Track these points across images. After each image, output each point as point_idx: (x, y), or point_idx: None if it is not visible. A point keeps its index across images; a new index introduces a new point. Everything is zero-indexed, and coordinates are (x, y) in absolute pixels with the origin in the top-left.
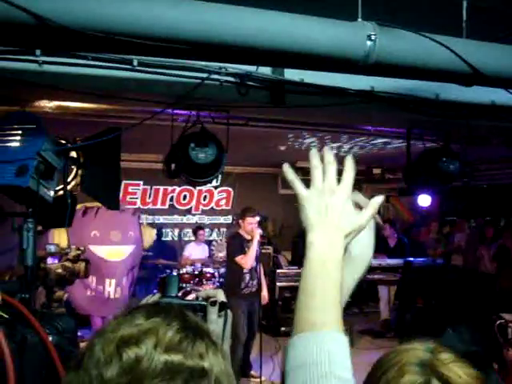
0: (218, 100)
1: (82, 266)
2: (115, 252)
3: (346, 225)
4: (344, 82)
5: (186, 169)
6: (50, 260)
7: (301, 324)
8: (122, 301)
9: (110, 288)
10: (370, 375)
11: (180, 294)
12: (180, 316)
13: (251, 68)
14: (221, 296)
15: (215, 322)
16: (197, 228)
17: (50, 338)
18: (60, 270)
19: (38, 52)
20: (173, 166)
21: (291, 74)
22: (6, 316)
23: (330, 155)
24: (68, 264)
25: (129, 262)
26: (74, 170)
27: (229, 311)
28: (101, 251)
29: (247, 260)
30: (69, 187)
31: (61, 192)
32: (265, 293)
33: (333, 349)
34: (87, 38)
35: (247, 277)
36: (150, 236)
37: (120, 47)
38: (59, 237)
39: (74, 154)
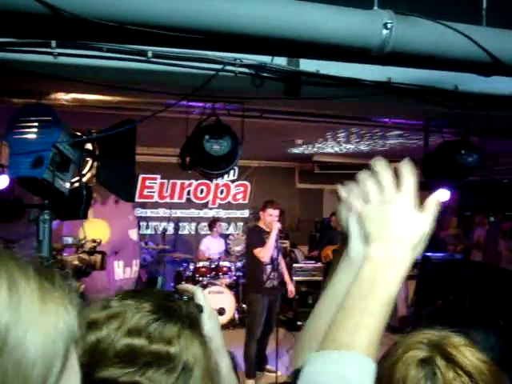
0: (232, 92)
1: (98, 258)
2: (136, 233)
3: (411, 235)
4: (360, 73)
5: (200, 161)
6: (66, 252)
7: (327, 342)
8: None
9: (136, 267)
10: (385, 355)
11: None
12: (158, 299)
13: (266, 59)
14: (199, 295)
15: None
16: (213, 221)
17: None
18: (76, 262)
19: (53, 44)
20: (188, 158)
21: (307, 65)
22: None
23: (381, 163)
24: (84, 256)
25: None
26: (90, 162)
27: (214, 313)
28: (134, 234)
29: (265, 252)
30: (84, 179)
31: (76, 184)
32: (291, 287)
33: (352, 375)
34: (101, 28)
35: (268, 268)
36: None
37: (134, 37)
38: (99, 231)
39: (89, 146)
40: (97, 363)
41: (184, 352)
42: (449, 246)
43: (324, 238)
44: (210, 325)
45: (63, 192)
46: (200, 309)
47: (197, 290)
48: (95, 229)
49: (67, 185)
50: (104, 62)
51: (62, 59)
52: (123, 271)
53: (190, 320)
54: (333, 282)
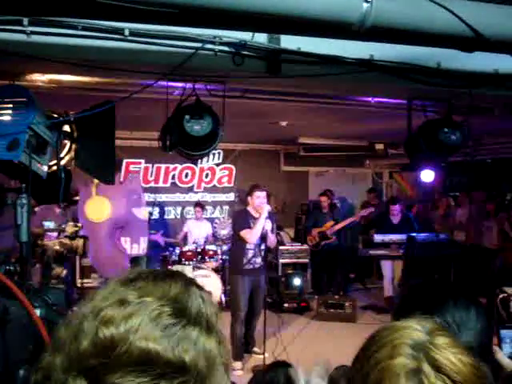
0: (212, 71)
1: (80, 242)
2: (146, 212)
3: None
4: (342, 50)
5: (181, 142)
6: (47, 237)
7: None
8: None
9: (145, 244)
10: (362, 350)
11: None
12: (178, 298)
13: (246, 37)
14: (188, 273)
15: None
16: (194, 205)
17: (38, 311)
18: (58, 247)
19: (25, 21)
20: (168, 139)
21: (288, 43)
22: None
23: None
24: (66, 241)
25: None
26: (68, 144)
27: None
28: (140, 213)
29: (252, 234)
30: (62, 162)
31: (54, 167)
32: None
33: None
34: (75, 3)
35: (250, 253)
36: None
37: (109, 13)
38: (100, 207)
39: (67, 128)
40: (110, 367)
41: (200, 358)
42: (436, 226)
43: (310, 220)
44: None
45: (41, 175)
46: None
47: (185, 269)
48: (95, 205)
49: (45, 168)
50: (79, 40)
51: (36, 38)
52: (131, 247)
53: (209, 319)
54: None
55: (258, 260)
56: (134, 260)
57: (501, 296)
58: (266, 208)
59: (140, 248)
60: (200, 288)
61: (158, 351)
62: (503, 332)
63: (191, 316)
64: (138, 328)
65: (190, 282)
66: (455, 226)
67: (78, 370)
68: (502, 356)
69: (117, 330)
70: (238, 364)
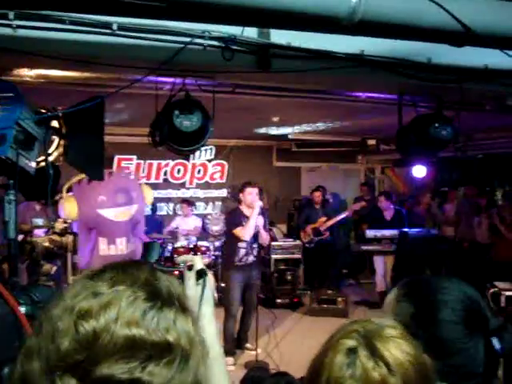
0: (202, 66)
1: (69, 239)
2: (122, 213)
3: None
4: (333, 45)
5: (171, 137)
6: (36, 233)
7: None
8: (134, 253)
9: (122, 245)
10: (328, 338)
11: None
12: (148, 282)
13: (236, 31)
14: (199, 263)
15: (193, 287)
16: (181, 201)
17: (24, 309)
18: (47, 244)
19: (11, 15)
20: (157, 134)
21: (278, 38)
22: None
23: None
24: (55, 237)
25: (134, 220)
26: (57, 140)
27: (209, 276)
28: (109, 214)
29: (245, 231)
30: (51, 158)
31: (43, 163)
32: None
33: None
34: None
35: (242, 251)
36: (149, 193)
37: (97, 6)
38: (70, 207)
39: (55, 124)
40: (96, 359)
41: (181, 337)
42: (427, 221)
43: (302, 216)
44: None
45: (29, 171)
46: (205, 272)
47: (196, 258)
48: (65, 205)
49: (33, 164)
50: (67, 35)
51: (22, 32)
52: (108, 248)
53: (180, 299)
54: None
55: (251, 258)
56: (145, 246)
57: (491, 291)
58: (258, 204)
59: (117, 249)
60: (164, 272)
61: (141, 335)
62: None
63: (164, 298)
64: (118, 316)
65: (154, 268)
66: (444, 222)
67: (64, 368)
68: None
69: (97, 322)
70: (229, 359)
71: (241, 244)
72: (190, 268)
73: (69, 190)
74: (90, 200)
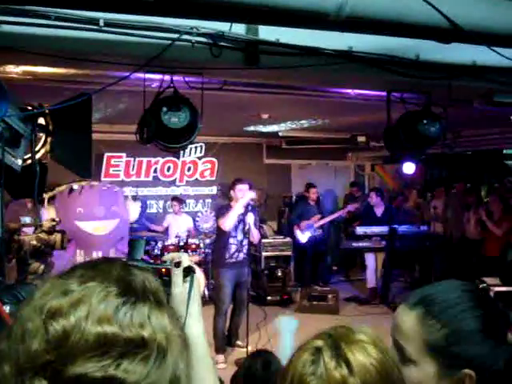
0: (190, 62)
1: (57, 237)
2: (100, 227)
3: None
4: (321, 41)
5: (158, 134)
6: (24, 231)
7: None
8: None
9: None
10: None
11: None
12: (121, 277)
13: (224, 28)
14: (186, 260)
15: (180, 285)
16: (171, 199)
17: (8, 307)
18: (35, 242)
19: None
20: (145, 131)
21: (266, 34)
22: None
23: None
24: (43, 235)
25: (113, 234)
26: (43, 137)
27: (197, 273)
28: (86, 226)
29: (225, 219)
30: (37, 155)
31: (29, 161)
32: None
33: None
34: None
35: (233, 248)
36: (133, 210)
37: (83, 1)
38: (48, 215)
39: (42, 121)
40: (68, 358)
41: (157, 332)
42: (417, 218)
43: (296, 211)
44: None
45: (15, 169)
46: (192, 270)
47: (183, 255)
48: (47, 215)
49: (19, 161)
50: (53, 31)
51: (7, 28)
52: (84, 260)
53: (156, 294)
54: None
55: (241, 255)
56: (130, 243)
57: (480, 286)
58: (250, 195)
59: None
60: (139, 268)
61: (114, 331)
62: None
63: (138, 293)
64: (88, 313)
65: (128, 264)
66: (433, 218)
67: (34, 370)
68: None
69: (67, 321)
70: (220, 357)
71: (232, 240)
72: (178, 265)
73: (51, 198)
74: (69, 211)
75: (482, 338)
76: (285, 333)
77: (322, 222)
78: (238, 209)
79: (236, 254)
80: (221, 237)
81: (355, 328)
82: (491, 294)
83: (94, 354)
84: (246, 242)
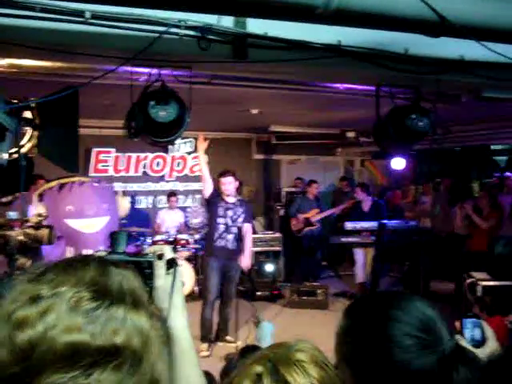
0: (178, 56)
1: (45, 232)
2: (90, 224)
3: None
4: (310, 35)
5: (146, 128)
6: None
7: None
8: None
9: None
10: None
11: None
12: (95, 280)
13: (212, 21)
14: (169, 252)
15: (163, 277)
16: (168, 194)
17: None
18: (22, 237)
19: None
20: (133, 125)
21: (255, 27)
22: None
23: None
24: (30, 231)
25: (104, 232)
26: (30, 131)
27: (180, 265)
28: (76, 224)
29: (204, 185)
30: (23, 150)
31: (15, 155)
32: (245, 261)
33: None
34: None
35: (221, 228)
36: (123, 206)
37: None
38: (37, 211)
39: (28, 114)
40: (35, 370)
41: (132, 337)
42: (407, 214)
43: (295, 205)
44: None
45: (1, 163)
46: (175, 262)
47: (165, 247)
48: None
49: (5, 156)
50: (38, 23)
51: None
52: None
53: (133, 293)
54: None
55: (230, 237)
56: (112, 235)
57: (469, 281)
58: (203, 146)
59: None
60: (117, 265)
61: (84, 340)
62: (465, 319)
63: (113, 295)
64: (57, 322)
65: (105, 262)
66: (422, 213)
67: (2, 382)
68: (464, 343)
69: (33, 331)
70: (204, 346)
71: (220, 220)
72: (160, 257)
73: (40, 195)
74: (58, 209)
75: None
76: (264, 337)
77: (319, 216)
78: (201, 158)
79: (225, 234)
80: (210, 219)
81: (294, 345)
82: (479, 288)
83: (63, 365)
84: (235, 228)
